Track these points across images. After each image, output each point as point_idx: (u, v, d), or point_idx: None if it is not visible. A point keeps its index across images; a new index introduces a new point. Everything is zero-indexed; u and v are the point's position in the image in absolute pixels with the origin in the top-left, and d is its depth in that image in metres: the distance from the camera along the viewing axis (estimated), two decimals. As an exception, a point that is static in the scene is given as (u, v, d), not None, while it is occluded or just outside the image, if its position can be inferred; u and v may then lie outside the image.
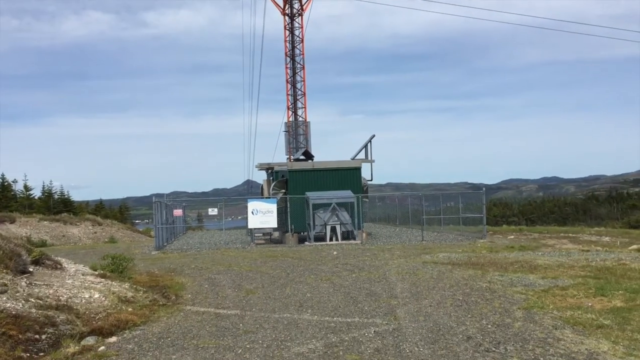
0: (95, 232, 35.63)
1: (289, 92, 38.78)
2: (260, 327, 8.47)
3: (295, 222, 25.30)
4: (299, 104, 38.52)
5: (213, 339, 7.81)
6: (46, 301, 9.92)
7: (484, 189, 25.78)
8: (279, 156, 39.94)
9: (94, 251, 24.05)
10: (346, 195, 24.96)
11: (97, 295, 11.10)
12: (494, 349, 7.00)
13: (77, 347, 7.67)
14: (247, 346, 7.36)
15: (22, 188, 45.54)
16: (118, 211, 58.07)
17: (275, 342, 7.55)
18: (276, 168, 28.31)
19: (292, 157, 36.34)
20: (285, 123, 38.75)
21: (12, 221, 32.76)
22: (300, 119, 38.64)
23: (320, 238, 24.51)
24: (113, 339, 8.20)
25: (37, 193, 47.96)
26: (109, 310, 10.24)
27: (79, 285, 11.77)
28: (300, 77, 38.70)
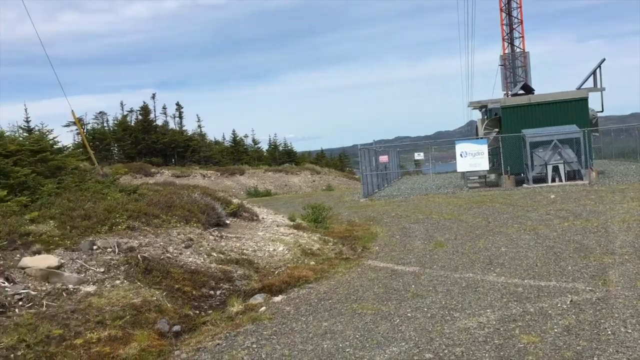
0: (314, 181, 37.14)
1: (503, 22, 35.30)
2: (432, 290, 7.38)
3: (510, 163, 23.02)
4: (516, 34, 34.88)
5: (375, 304, 6.97)
6: (229, 255, 10.05)
7: None
8: (498, 93, 36.92)
9: (310, 199, 24.80)
10: (570, 130, 21.81)
11: (281, 249, 11.02)
12: None
13: (240, 307, 7.45)
14: (408, 315, 6.37)
15: (251, 142, 49.80)
16: (338, 159, 60.19)
17: (442, 310, 6.43)
18: (489, 105, 26.03)
19: (509, 92, 33.24)
20: (501, 56, 35.48)
21: (242, 173, 35.67)
22: (518, 49, 35.00)
23: (540, 179, 21.98)
24: (279, 297, 7.85)
25: (264, 146, 51.96)
26: (288, 265, 10.05)
27: (268, 238, 11.85)
28: (516, 2, 34.83)
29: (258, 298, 7.95)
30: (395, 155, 35.63)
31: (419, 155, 26.14)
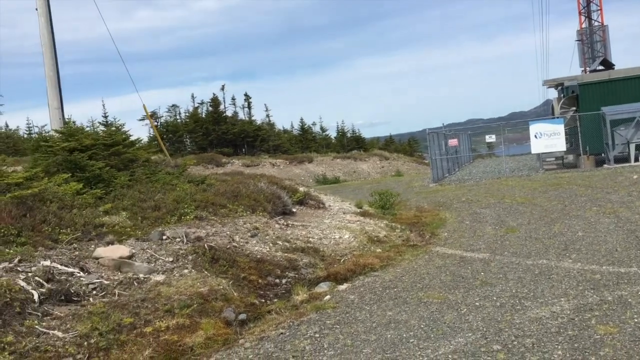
0: (383, 167, 36.79)
1: (579, -6, 33.48)
2: (502, 278, 7.08)
3: (589, 143, 21.87)
4: (593, 6, 33.02)
5: (442, 292, 6.76)
6: (294, 243, 10.07)
7: None
8: (575, 70, 35.19)
9: (378, 185, 24.57)
10: (654, 106, 20.47)
11: (347, 236, 10.94)
12: None
13: (305, 295, 7.43)
14: (476, 304, 6.13)
15: (319, 130, 49.85)
16: (407, 145, 59.32)
17: (512, 299, 6.14)
18: (566, 83, 24.81)
19: (587, 69, 31.62)
20: (578, 31, 33.71)
21: (310, 161, 35.80)
22: (596, 23, 33.14)
23: (622, 159, 20.80)
24: (344, 286, 7.77)
25: (332, 133, 51.97)
26: (354, 252, 9.96)
27: (334, 226, 11.79)
28: (593, -28, 32.98)
29: (323, 286, 7.91)
30: (467, 138, 34.74)
31: (490, 138, 25.36)
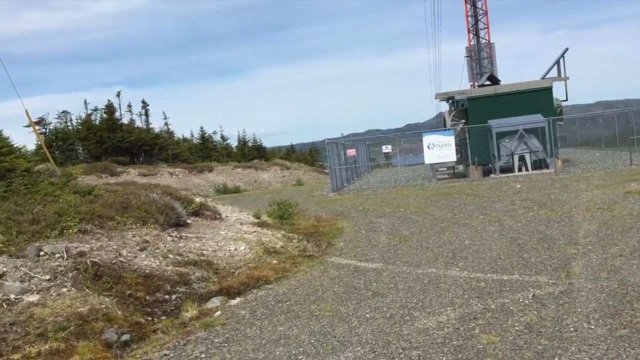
0: (284, 176, 36.79)
1: (468, 13, 35.34)
2: (393, 288, 7.15)
3: (478, 154, 23.01)
4: (481, 25, 34.95)
5: (334, 304, 6.71)
6: (187, 256, 9.69)
7: None
8: (465, 85, 37.00)
9: (279, 194, 24.45)
10: (535, 119, 21.86)
11: (242, 248, 10.70)
12: None
13: (195, 312, 7.12)
14: (367, 316, 6.12)
15: (220, 139, 49.12)
16: (308, 154, 59.83)
17: (401, 310, 6.19)
18: (456, 97, 25.98)
19: (475, 83, 33.33)
20: (467, 48, 35.53)
21: (210, 170, 35.13)
22: (483, 41, 35.10)
23: (507, 169, 22.04)
24: (236, 300, 7.55)
25: (234, 142, 51.40)
26: (249, 264, 9.74)
27: (230, 237, 11.51)
28: (481, -7, 34.93)
29: (215, 301, 7.64)
30: (365, 148, 35.48)
31: (386, 148, 26.03)
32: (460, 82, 49.19)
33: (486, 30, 34.93)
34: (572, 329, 5.12)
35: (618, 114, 25.59)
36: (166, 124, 48.70)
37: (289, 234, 12.42)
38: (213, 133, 50.16)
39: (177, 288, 8.36)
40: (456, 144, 23.23)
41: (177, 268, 9.00)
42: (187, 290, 8.37)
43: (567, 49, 23.76)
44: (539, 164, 21.91)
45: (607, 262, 7.25)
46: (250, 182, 34.70)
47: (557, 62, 23.84)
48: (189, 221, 12.39)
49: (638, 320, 5.16)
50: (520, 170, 21.61)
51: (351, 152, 26.27)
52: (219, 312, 6.97)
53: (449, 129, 23.68)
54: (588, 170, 20.06)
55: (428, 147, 22.46)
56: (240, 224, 13.09)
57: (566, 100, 24.39)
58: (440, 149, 22.31)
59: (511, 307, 5.88)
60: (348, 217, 14.64)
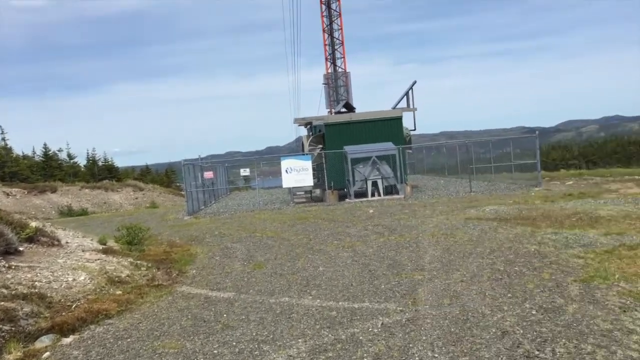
0: (137, 198, 35.08)
1: (326, 42, 36.47)
2: (244, 320, 6.88)
3: (334, 179, 23.58)
4: (338, 54, 36.21)
5: (180, 339, 6.28)
6: (15, 289, 8.66)
7: (537, 132, 23.18)
8: (323, 111, 38.01)
9: (130, 217, 23.19)
10: (386, 147, 22.92)
11: (82, 278, 9.82)
12: (536, 352, 5.13)
13: (19, 353, 6.31)
14: (215, 352, 5.78)
15: (66, 157, 45.78)
16: (164, 175, 57.86)
17: (251, 344, 5.93)
18: (314, 122, 26.48)
19: (332, 110, 34.36)
20: (325, 75, 36.61)
21: (54, 190, 32.50)
22: (340, 69, 36.38)
23: (361, 194, 22.77)
24: (69, 339, 6.82)
25: (82, 161, 48.16)
26: (89, 296, 8.93)
27: (69, 266, 10.53)
28: (338, 25, 36.24)
29: (44, 340, 6.85)
30: (224, 170, 34.95)
31: (244, 171, 25.82)
32: (318, 108, 50.60)
33: (342, 59, 36.23)
34: (417, 358, 5.18)
35: (459, 144, 27.65)
36: (3, 139, 44.48)
37: (137, 261, 11.67)
38: (59, 150, 46.69)
39: (1, 326, 7.41)
40: (313, 169, 23.62)
41: (2, 303, 7.98)
42: (13, 329, 7.42)
43: (415, 82, 25.27)
44: (390, 190, 22.89)
45: (449, 288, 7.57)
46: (99, 204, 32.57)
47: (407, 94, 25.24)
48: (21, 248, 11.15)
49: (477, 347, 5.36)
50: (373, 195, 22.42)
51: (208, 174, 25.69)
52: (47, 354, 6.24)
53: (306, 154, 24.03)
54: (434, 196, 21.32)
55: (286, 171, 22.60)
56: (82, 251, 12.06)
57: (414, 129, 25.86)
58: (297, 173, 22.54)
59: (361, 337, 5.86)
60: (203, 242, 14.15)
